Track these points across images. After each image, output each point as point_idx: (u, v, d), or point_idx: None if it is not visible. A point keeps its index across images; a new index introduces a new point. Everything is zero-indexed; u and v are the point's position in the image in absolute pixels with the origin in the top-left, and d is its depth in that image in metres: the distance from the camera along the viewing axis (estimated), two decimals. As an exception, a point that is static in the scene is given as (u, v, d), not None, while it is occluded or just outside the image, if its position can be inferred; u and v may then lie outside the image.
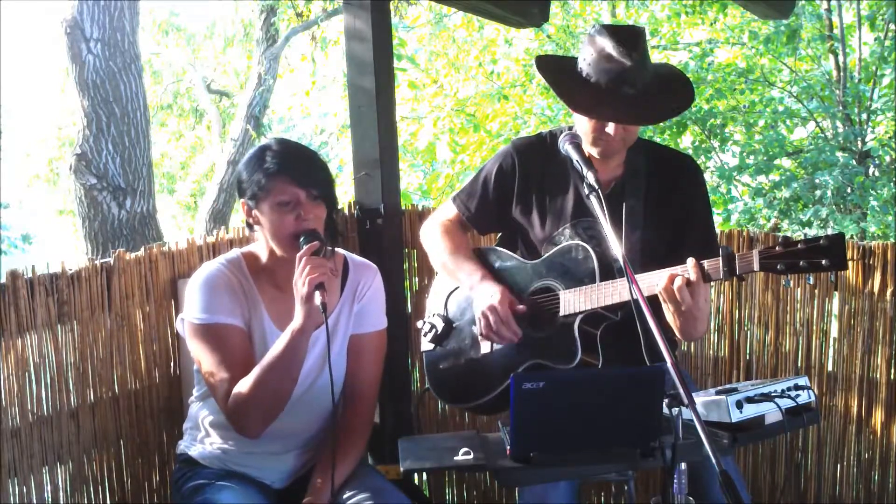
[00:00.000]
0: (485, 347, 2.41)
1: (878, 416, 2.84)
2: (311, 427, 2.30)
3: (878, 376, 2.82)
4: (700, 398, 1.92)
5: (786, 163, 8.64)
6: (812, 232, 7.50)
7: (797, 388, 2.00)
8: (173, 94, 14.69)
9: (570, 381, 1.85)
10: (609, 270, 2.21)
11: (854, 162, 8.00)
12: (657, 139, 8.06)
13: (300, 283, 2.06)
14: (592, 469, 1.90)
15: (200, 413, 2.34)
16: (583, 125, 2.27)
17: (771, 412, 1.94)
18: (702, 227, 2.38)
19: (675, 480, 1.80)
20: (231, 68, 13.98)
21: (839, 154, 8.06)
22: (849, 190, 7.72)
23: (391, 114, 3.32)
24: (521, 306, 2.32)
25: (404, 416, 3.33)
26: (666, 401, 1.73)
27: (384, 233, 3.25)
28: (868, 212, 7.51)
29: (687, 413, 1.66)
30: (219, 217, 9.48)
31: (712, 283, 2.16)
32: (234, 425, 2.17)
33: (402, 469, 1.92)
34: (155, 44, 13.93)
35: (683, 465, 1.81)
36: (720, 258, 2.02)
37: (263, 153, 2.18)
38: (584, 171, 2.10)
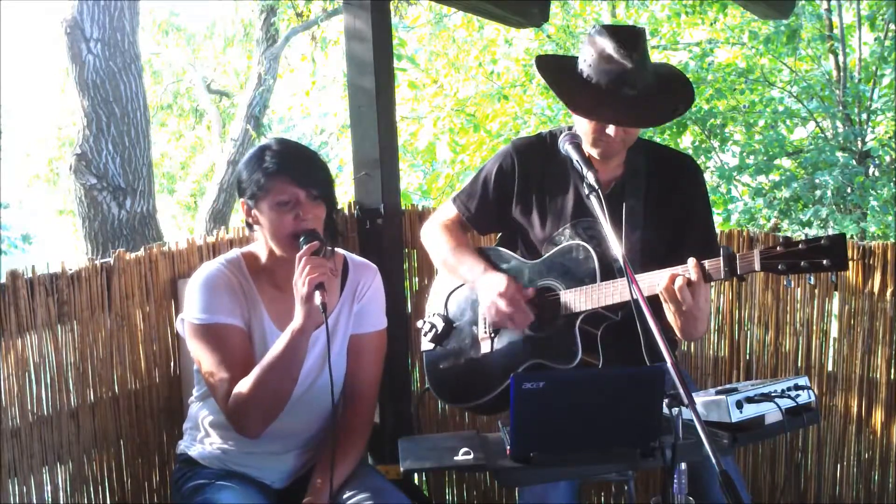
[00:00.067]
0: (485, 347, 2.41)
1: (878, 416, 2.84)
2: (311, 427, 2.30)
3: (878, 376, 2.82)
4: (700, 398, 1.92)
5: (786, 163, 8.64)
6: (812, 232, 7.50)
7: (797, 388, 2.00)
8: (173, 94, 14.69)
9: (570, 381, 1.85)
10: (609, 270, 2.21)
11: (854, 162, 8.00)
12: (657, 139, 8.05)
13: (300, 282, 2.06)
14: (592, 469, 1.90)
15: (200, 413, 2.34)
16: (583, 126, 2.27)
17: (771, 412, 1.94)
18: (702, 227, 2.38)
19: (675, 480, 1.80)
20: (231, 68, 13.98)
21: (839, 154, 8.06)
22: (849, 190, 7.72)
23: (391, 114, 3.32)
24: (529, 290, 2.31)
25: (404, 416, 3.33)
26: (666, 401, 1.73)
27: (384, 233, 3.25)
28: (868, 212, 7.51)
29: (687, 413, 1.66)
30: (219, 217, 9.48)
31: (713, 283, 2.16)
32: (234, 425, 2.17)
33: (402, 469, 1.92)
34: (155, 44, 13.93)
35: (683, 465, 1.81)
36: (721, 258, 2.02)
37: (263, 153, 2.18)
38: (584, 171, 2.10)
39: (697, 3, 9.25)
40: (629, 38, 2.20)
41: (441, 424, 3.41)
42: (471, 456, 1.91)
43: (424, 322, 2.53)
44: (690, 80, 2.42)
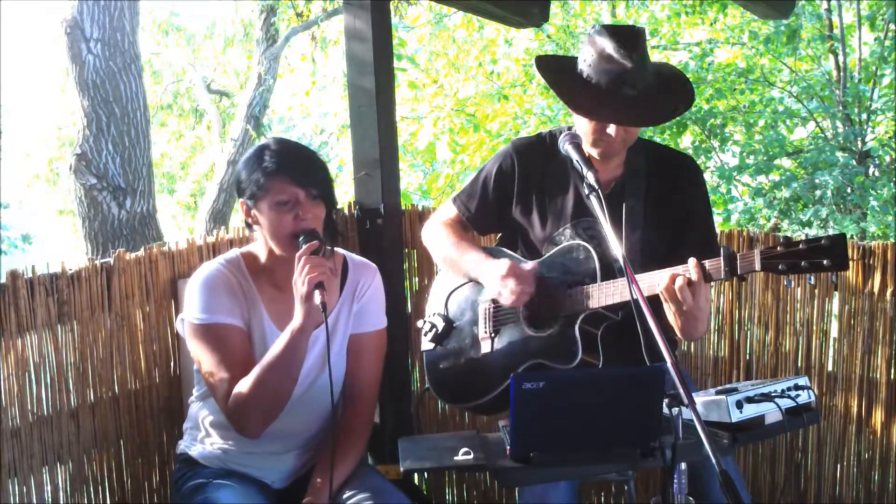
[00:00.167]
0: (485, 347, 2.41)
1: (878, 416, 2.84)
2: (311, 427, 2.30)
3: (878, 376, 2.82)
4: (700, 398, 1.92)
5: (786, 163, 8.64)
6: (812, 232, 7.50)
7: (797, 388, 2.00)
8: (173, 94, 14.69)
9: (570, 381, 1.85)
10: (610, 270, 2.21)
11: (854, 162, 8.00)
12: (657, 139, 8.05)
13: (300, 282, 2.06)
14: (592, 469, 1.90)
15: (200, 413, 2.34)
16: (583, 126, 2.27)
17: (771, 412, 1.94)
18: (702, 226, 2.38)
19: (675, 480, 1.80)
20: (231, 68, 13.98)
21: (839, 154, 8.06)
22: (849, 190, 7.72)
23: (391, 114, 3.32)
24: (533, 265, 2.29)
25: (404, 416, 3.33)
26: (666, 401, 1.73)
27: (384, 233, 3.26)
28: (868, 212, 7.51)
29: (687, 413, 1.66)
30: (219, 217, 9.48)
31: (713, 283, 2.16)
32: (235, 425, 2.17)
33: (402, 469, 1.92)
34: (155, 44, 13.93)
35: (683, 465, 1.81)
36: (721, 258, 2.02)
37: (262, 153, 2.17)
38: (584, 171, 2.10)
39: (697, 3, 9.25)
40: (629, 37, 2.20)
41: (441, 424, 3.41)
42: (471, 456, 1.91)
43: (424, 322, 2.53)
44: (690, 80, 2.42)
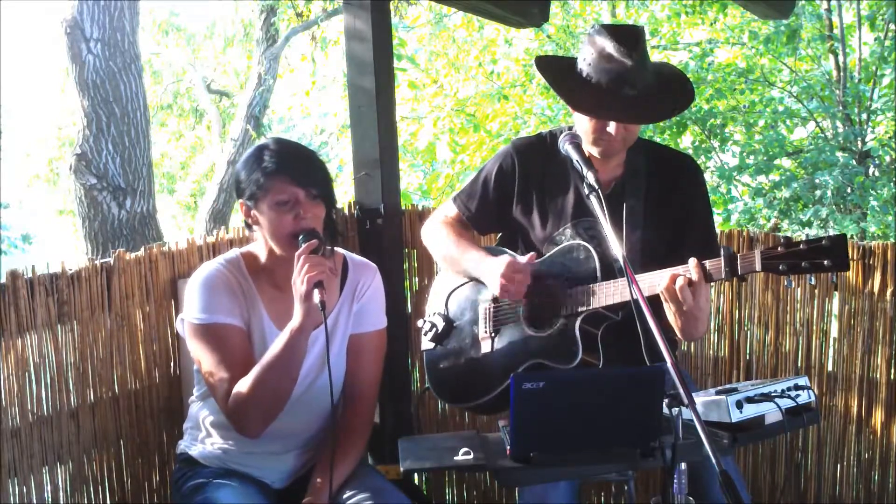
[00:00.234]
0: (485, 347, 2.41)
1: (878, 416, 2.84)
2: (311, 427, 2.30)
3: (878, 376, 2.82)
4: (700, 398, 1.92)
5: (786, 163, 8.64)
6: (812, 232, 7.50)
7: (797, 388, 2.00)
8: (173, 94, 14.69)
9: (570, 381, 1.85)
10: (610, 270, 2.21)
11: (854, 162, 8.00)
12: (657, 139, 8.06)
13: (298, 281, 2.06)
14: (592, 469, 1.90)
15: (201, 413, 2.34)
16: (583, 125, 2.27)
17: (771, 412, 1.94)
18: (702, 226, 2.38)
19: (675, 480, 1.80)
20: (231, 68, 13.98)
21: (839, 154, 8.06)
22: (849, 190, 7.72)
23: (391, 114, 3.32)
24: (528, 256, 2.29)
25: (404, 416, 3.33)
26: (666, 401, 1.73)
27: (384, 233, 3.26)
28: (868, 212, 7.51)
29: (687, 413, 1.66)
30: (219, 217, 9.47)
31: (713, 284, 2.16)
32: (235, 425, 2.17)
33: (402, 469, 1.92)
34: (155, 44, 13.92)
35: (683, 465, 1.80)
36: (722, 258, 2.02)
37: (261, 153, 2.17)
38: (584, 171, 2.10)
39: (697, 3, 9.25)
40: (629, 37, 2.20)
41: (441, 424, 3.41)
42: (471, 456, 1.91)
43: (425, 321, 2.53)
44: (690, 79, 2.42)
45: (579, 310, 2.23)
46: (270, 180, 2.13)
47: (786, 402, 1.95)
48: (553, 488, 2.21)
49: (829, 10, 8.69)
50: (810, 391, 2.02)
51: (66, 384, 2.59)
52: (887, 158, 8.33)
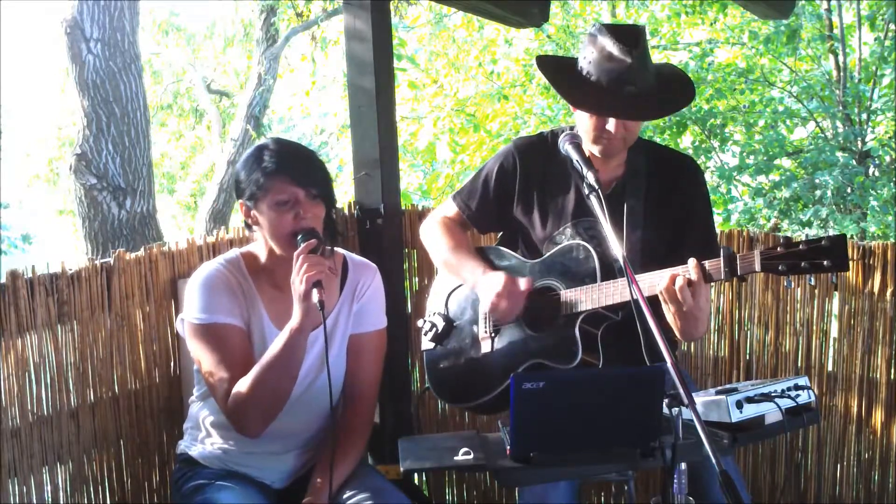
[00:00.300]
0: (485, 347, 2.41)
1: (878, 416, 2.84)
2: (311, 427, 2.30)
3: (878, 376, 2.82)
4: (700, 398, 1.92)
5: (786, 163, 8.64)
6: (812, 232, 7.50)
7: (797, 388, 2.00)
8: (173, 94, 14.68)
9: (570, 381, 1.85)
10: (610, 270, 2.21)
11: (854, 162, 8.00)
12: (657, 139, 8.06)
13: (297, 281, 2.06)
14: (592, 469, 1.90)
15: (201, 413, 2.33)
16: (584, 123, 2.27)
17: (771, 412, 1.94)
18: (702, 227, 2.38)
19: (675, 480, 1.80)
20: (231, 68, 13.98)
21: (839, 154, 8.06)
22: (849, 190, 7.72)
23: (391, 114, 3.32)
24: (526, 279, 2.30)
25: (404, 416, 3.33)
26: (666, 401, 1.73)
27: (384, 233, 3.25)
28: (868, 212, 7.51)
29: (687, 413, 1.66)
30: (219, 217, 9.48)
31: (713, 284, 2.17)
32: (235, 425, 2.17)
33: (402, 469, 1.92)
34: (155, 44, 13.92)
35: (683, 465, 1.80)
36: (721, 258, 2.02)
37: (261, 153, 2.17)
38: (584, 170, 2.10)
39: (697, 3, 9.25)
40: (629, 35, 2.20)
41: (441, 424, 3.41)
42: (471, 456, 1.91)
43: (425, 321, 2.53)
44: (692, 79, 2.42)
45: (579, 310, 2.22)
46: (270, 180, 2.13)
47: (786, 402, 1.95)
48: (553, 488, 2.21)
49: (829, 10, 8.69)
50: (810, 391, 2.02)
51: (66, 384, 2.59)
52: (887, 158, 8.33)
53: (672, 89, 2.30)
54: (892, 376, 2.81)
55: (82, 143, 7.33)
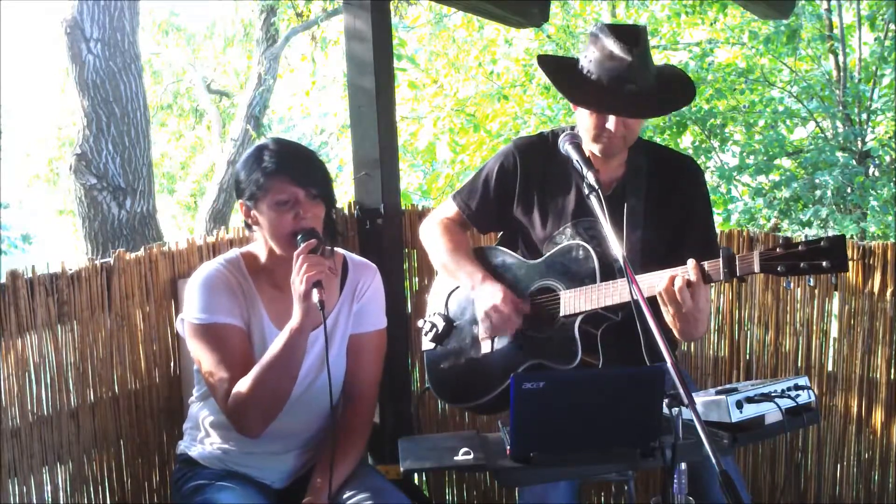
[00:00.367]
0: (485, 347, 2.41)
1: (878, 416, 2.84)
2: (311, 427, 2.30)
3: (878, 376, 2.82)
4: (700, 398, 1.92)
5: (786, 163, 8.64)
6: (812, 232, 7.50)
7: (797, 388, 2.00)
8: (173, 94, 14.68)
9: (570, 381, 1.85)
10: (610, 270, 2.21)
11: (854, 162, 8.00)
12: (657, 139, 8.06)
13: (297, 281, 2.06)
14: (592, 469, 1.90)
15: (200, 413, 2.33)
16: (584, 122, 2.27)
17: (771, 412, 1.94)
18: (702, 227, 2.38)
19: (675, 480, 1.80)
20: (231, 68, 13.97)
21: (839, 154, 8.06)
22: (849, 190, 7.71)
23: (391, 114, 3.32)
24: (525, 307, 2.32)
25: (404, 416, 3.33)
26: (666, 401, 1.73)
27: (384, 233, 3.26)
28: (868, 212, 7.51)
29: (687, 413, 1.66)
30: (219, 217, 9.48)
31: (712, 284, 2.17)
32: (235, 425, 2.17)
33: (402, 469, 1.92)
34: (155, 44, 13.92)
35: (683, 465, 1.80)
36: (720, 259, 2.01)
37: (261, 153, 2.17)
38: (584, 170, 2.10)
39: (697, 3, 9.25)
40: (630, 34, 2.21)
41: (441, 424, 3.41)
42: (471, 456, 1.91)
43: (425, 321, 2.53)
44: (692, 80, 2.43)
45: (578, 310, 2.22)
46: (270, 180, 2.13)
47: (786, 402, 1.95)
48: (553, 488, 2.21)
49: (829, 10, 8.69)
50: (810, 391, 2.02)
51: (66, 384, 2.59)
52: (887, 158, 8.33)
53: (672, 89, 2.31)
54: (892, 376, 2.80)
55: (82, 143, 7.33)
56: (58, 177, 13.94)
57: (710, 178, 8.21)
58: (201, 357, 2.20)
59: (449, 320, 2.50)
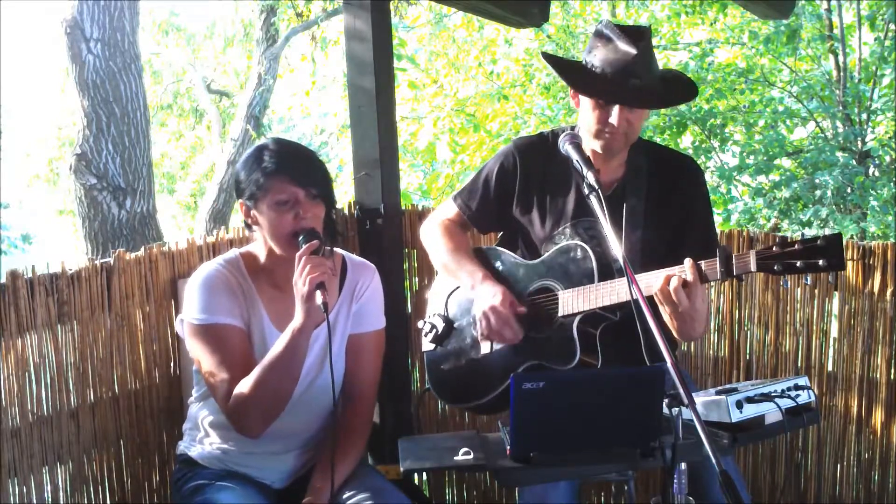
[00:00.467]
0: (485, 348, 2.41)
1: (878, 416, 2.84)
2: (311, 427, 2.30)
3: (878, 376, 2.82)
4: (700, 398, 1.92)
5: (786, 163, 8.64)
6: (812, 232, 7.50)
7: (797, 388, 2.00)
8: (173, 94, 14.68)
9: (570, 381, 1.85)
10: (608, 271, 2.21)
11: (854, 162, 8.00)
12: (657, 139, 8.06)
13: (300, 282, 2.06)
14: (592, 469, 1.90)
15: (200, 414, 2.33)
16: (587, 117, 2.28)
17: (771, 412, 1.94)
18: (702, 227, 2.38)
19: (675, 480, 1.80)
20: (231, 68, 13.97)
21: (839, 154, 8.06)
22: (849, 190, 7.71)
23: (391, 114, 3.32)
24: (521, 308, 2.32)
25: (404, 416, 3.33)
26: (666, 401, 1.73)
27: (384, 233, 3.26)
28: (868, 212, 7.51)
29: (687, 413, 1.66)
30: (219, 217, 9.47)
31: (711, 284, 2.17)
32: (235, 425, 2.17)
33: (402, 469, 1.92)
34: (155, 44, 13.92)
35: (683, 465, 1.81)
36: (717, 259, 2.01)
37: (261, 153, 2.17)
38: (584, 170, 2.10)
39: (697, 3, 9.25)
40: (634, 31, 2.24)
41: (441, 424, 3.41)
42: (471, 456, 1.91)
43: (425, 322, 2.53)
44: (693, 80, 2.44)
45: (576, 310, 2.22)
46: (270, 180, 2.13)
47: (786, 402, 1.95)
48: (553, 488, 2.21)
49: (829, 10, 8.69)
50: (810, 391, 2.02)
51: (66, 384, 2.59)
52: (887, 158, 8.33)
53: (674, 88, 2.33)
54: (892, 376, 2.81)
55: (82, 143, 7.32)
56: (58, 177, 13.94)
57: (710, 178, 8.21)
58: (201, 357, 2.19)
59: (448, 321, 2.50)
